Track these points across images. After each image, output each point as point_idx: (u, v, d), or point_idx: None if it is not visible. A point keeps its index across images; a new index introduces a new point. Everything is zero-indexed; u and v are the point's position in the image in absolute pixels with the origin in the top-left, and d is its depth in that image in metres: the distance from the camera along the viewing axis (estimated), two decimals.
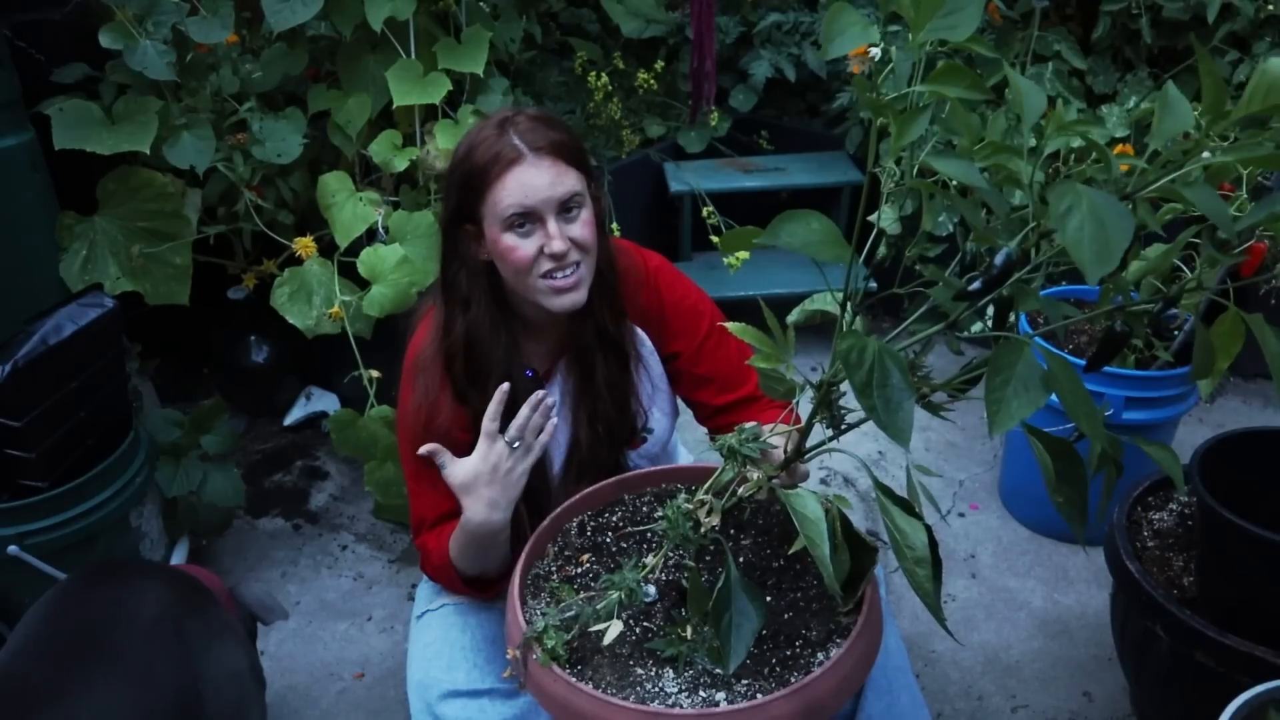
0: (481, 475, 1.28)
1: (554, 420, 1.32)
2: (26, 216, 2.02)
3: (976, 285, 0.87)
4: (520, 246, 1.27)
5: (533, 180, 1.25)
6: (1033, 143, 0.82)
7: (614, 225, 2.77)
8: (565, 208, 1.28)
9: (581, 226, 1.29)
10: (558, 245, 1.26)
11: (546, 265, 1.28)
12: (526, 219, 1.27)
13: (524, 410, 1.28)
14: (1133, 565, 1.63)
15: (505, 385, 1.29)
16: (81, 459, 1.88)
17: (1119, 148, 2.47)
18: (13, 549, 1.76)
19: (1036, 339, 0.85)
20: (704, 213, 2.74)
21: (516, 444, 1.28)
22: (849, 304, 0.94)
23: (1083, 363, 1.04)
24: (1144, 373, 2.04)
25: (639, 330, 1.46)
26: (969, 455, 2.63)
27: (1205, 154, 0.77)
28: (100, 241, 2.13)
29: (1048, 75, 2.76)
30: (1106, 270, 0.69)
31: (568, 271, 1.29)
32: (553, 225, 1.27)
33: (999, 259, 0.86)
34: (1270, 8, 2.61)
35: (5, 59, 1.96)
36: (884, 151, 0.87)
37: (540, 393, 1.30)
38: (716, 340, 1.47)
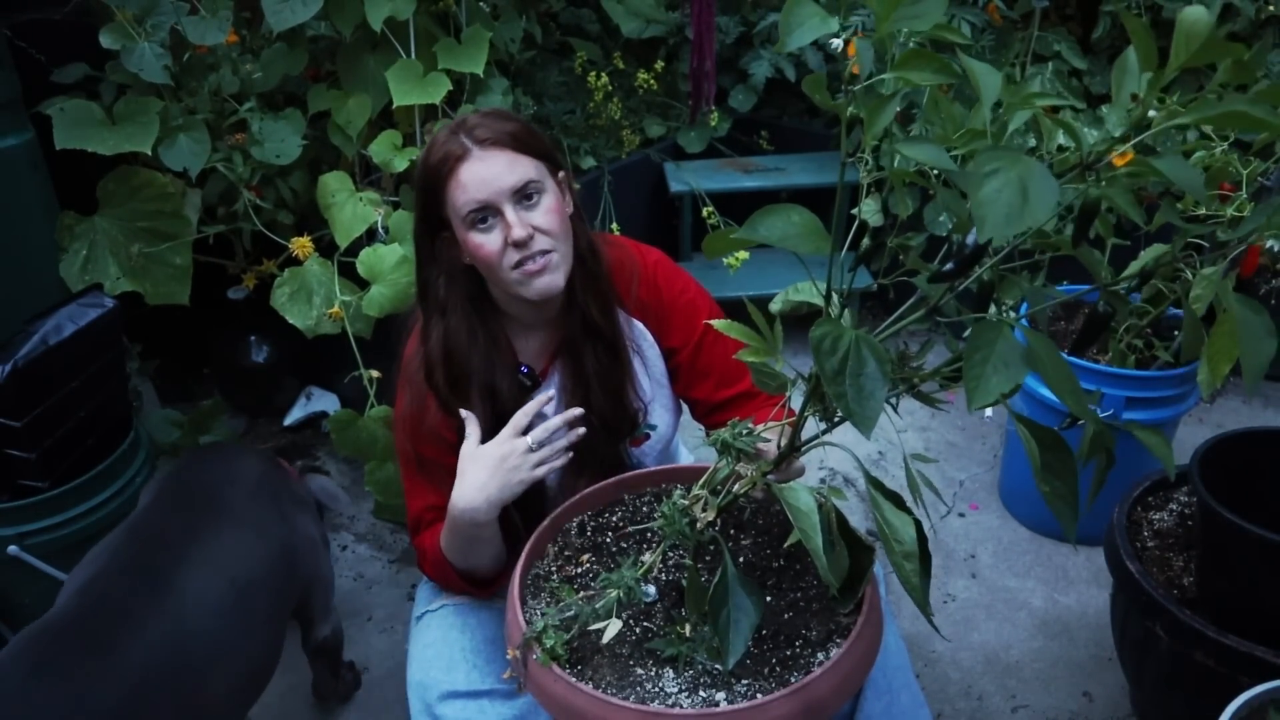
0: (488, 457, 1.27)
1: (568, 456, 1.31)
2: (26, 216, 2.03)
3: (949, 266, 0.88)
4: (486, 242, 1.28)
5: (480, 173, 1.26)
6: (991, 120, 0.82)
7: (614, 225, 2.77)
8: (523, 196, 1.29)
9: (544, 214, 1.29)
10: (519, 232, 1.27)
11: (514, 256, 1.29)
12: (485, 213, 1.28)
13: (557, 419, 1.28)
14: (1133, 565, 1.63)
15: (552, 392, 1.28)
16: (81, 459, 1.88)
17: (1125, 156, 2.48)
18: (13, 549, 1.76)
19: (1023, 320, 0.85)
20: (704, 213, 2.74)
21: (535, 447, 1.27)
22: (834, 296, 0.94)
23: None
24: (1144, 373, 2.04)
25: (639, 324, 1.46)
26: (969, 455, 2.63)
27: (1151, 113, 0.77)
28: (100, 241, 2.13)
29: (1048, 75, 2.76)
30: (1007, 232, 0.69)
31: (536, 258, 1.29)
32: (510, 214, 1.27)
33: (970, 238, 0.86)
34: (1271, 8, 2.61)
35: (5, 59, 1.96)
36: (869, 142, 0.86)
37: (577, 410, 1.29)
38: (715, 335, 1.46)
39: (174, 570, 1.43)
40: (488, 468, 1.27)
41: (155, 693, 1.31)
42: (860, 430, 0.80)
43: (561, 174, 1.35)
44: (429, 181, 1.30)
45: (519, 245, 1.28)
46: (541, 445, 1.28)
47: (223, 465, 1.67)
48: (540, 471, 1.28)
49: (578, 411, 1.30)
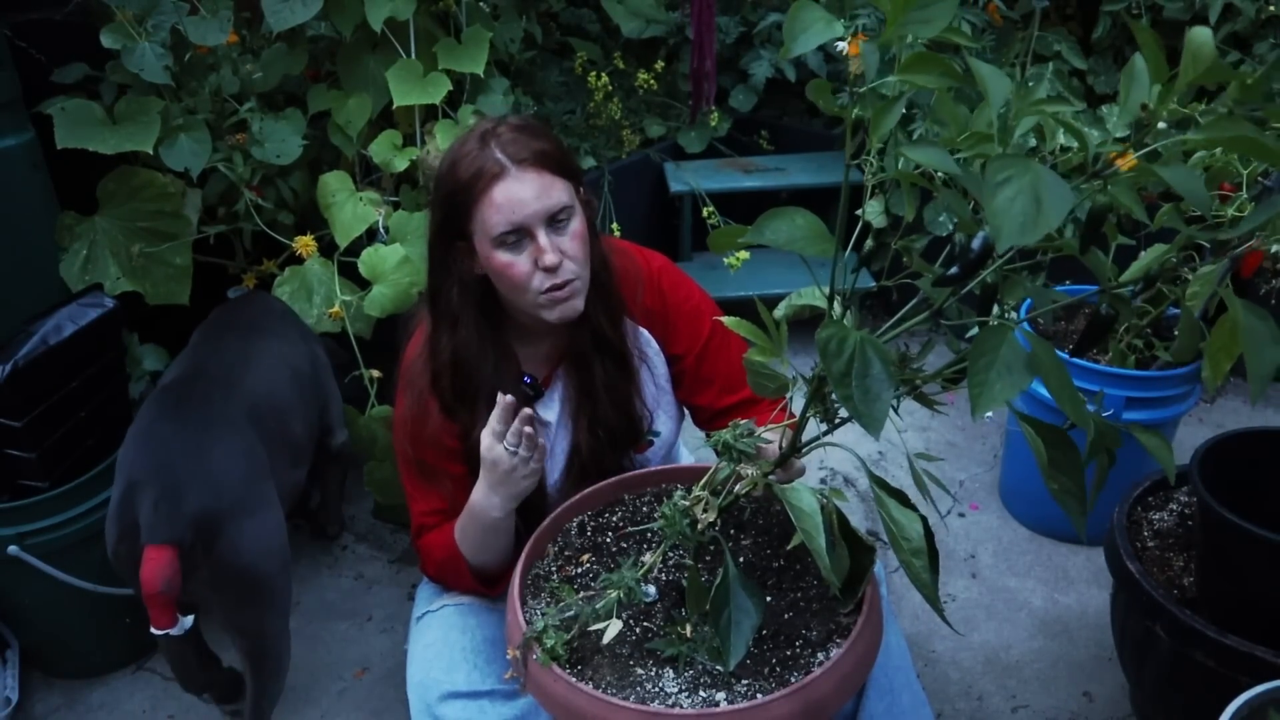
0: (486, 470, 1.29)
1: (544, 441, 1.31)
2: (26, 216, 2.02)
3: (954, 270, 0.88)
4: (515, 262, 1.27)
5: (518, 194, 1.24)
6: (999, 125, 0.82)
7: (614, 225, 2.77)
8: (554, 219, 1.28)
9: (571, 239, 1.29)
10: (550, 258, 1.26)
11: (543, 280, 1.28)
12: (516, 234, 1.26)
13: (515, 424, 1.26)
14: (1133, 565, 1.63)
15: (508, 398, 1.26)
16: (81, 459, 1.88)
17: (1127, 158, 2.49)
18: (13, 549, 1.76)
19: (1025, 324, 0.85)
20: (704, 213, 2.74)
21: (514, 449, 1.27)
22: (838, 298, 0.94)
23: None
24: (1144, 373, 2.04)
25: (644, 331, 1.46)
26: (969, 455, 2.63)
27: (1161, 125, 0.77)
28: (100, 241, 2.13)
29: (1048, 75, 2.76)
30: (1024, 241, 0.69)
31: (562, 285, 1.29)
32: (543, 238, 1.26)
33: (975, 243, 0.86)
34: (1271, 8, 2.61)
35: (5, 59, 1.95)
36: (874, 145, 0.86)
37: (526, 411, 1.28)
38: (719, 341, 1.46)
39: (250, 357, 1.85)
40: (489, 479, 1.29)
41: (265, 415, 1.75)
42: (869, 431, 0.80)
43: (583, 190, 1.34)
44: (458, 195, 1.27)
45: (549, 270, 1.27)
46: (519, 446, 1.26)
47: (252, 303, 2.11)
48: (534, 465, 1.28)
49: (529, 413, 1.28)
